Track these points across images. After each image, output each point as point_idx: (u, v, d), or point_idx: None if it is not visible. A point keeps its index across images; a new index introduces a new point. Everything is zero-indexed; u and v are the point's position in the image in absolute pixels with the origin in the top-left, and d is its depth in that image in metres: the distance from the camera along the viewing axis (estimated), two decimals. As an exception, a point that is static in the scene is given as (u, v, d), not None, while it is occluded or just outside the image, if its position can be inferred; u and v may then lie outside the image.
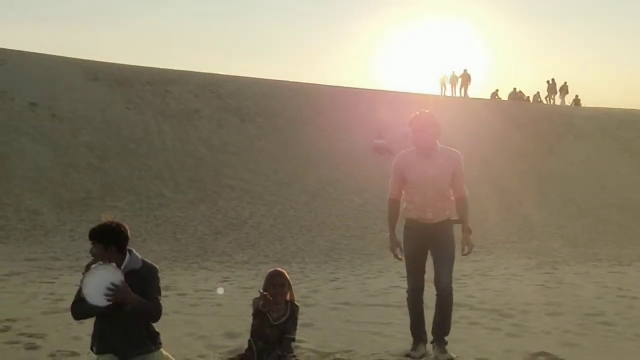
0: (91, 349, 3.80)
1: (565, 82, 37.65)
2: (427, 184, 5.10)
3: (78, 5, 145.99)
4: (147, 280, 3.70)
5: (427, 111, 5.22)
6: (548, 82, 37.19)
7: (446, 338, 5.18)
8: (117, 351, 3.66)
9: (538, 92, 37.79)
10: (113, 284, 3.49)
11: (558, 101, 37.41)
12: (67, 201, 16.50)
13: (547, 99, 37.30)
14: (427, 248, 5.23)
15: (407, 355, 5.18)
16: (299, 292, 7.67)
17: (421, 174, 5.11)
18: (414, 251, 5.22)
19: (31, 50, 26.02)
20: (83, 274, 3.60)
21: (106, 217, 3.71)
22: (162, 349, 3.83)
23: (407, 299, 5.34)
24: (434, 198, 5.10)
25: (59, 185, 17.21)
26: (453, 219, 5.23)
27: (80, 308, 3.63)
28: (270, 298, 3.91)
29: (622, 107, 36.30)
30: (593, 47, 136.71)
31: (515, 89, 37.28)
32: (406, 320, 5.44)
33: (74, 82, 23.14)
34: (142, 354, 3.69)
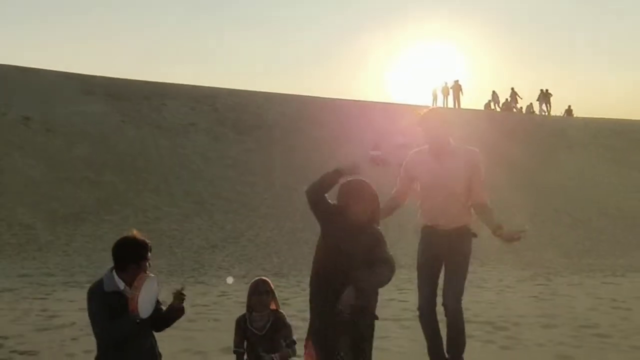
0: None
1: (547, 89, 37.45)
2: (437, 187, 4.53)
3: (73, 20, 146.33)
4: None
5: (437, 108, 4.67)
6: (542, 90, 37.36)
7: (464, 355, 4.65)
8: None
9: (531, 103, 37.94)
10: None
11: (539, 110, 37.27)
12: (61, 216, 16.43)
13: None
14: (441, 259, 4.63)
15: None
16: (296, 306, 7.66)
17: (431, 175, 4.56)
18: (425, 261, 4.66)
19: (26, 65, 26.12)
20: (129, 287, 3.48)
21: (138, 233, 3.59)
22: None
23: (419, 317, 4.67)
24: (444, 203, 4.52)
25: (52, 199, 17.16)
26: (472, 231, 4.65)
27: (125, 324, 3.45)
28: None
29: (614, 116, 36.57)
30: (584, 57, 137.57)
31: (507, 99, 37.30)
32: (403, 333, 5.38)
33: (70, 96, 23.16)
34: None
